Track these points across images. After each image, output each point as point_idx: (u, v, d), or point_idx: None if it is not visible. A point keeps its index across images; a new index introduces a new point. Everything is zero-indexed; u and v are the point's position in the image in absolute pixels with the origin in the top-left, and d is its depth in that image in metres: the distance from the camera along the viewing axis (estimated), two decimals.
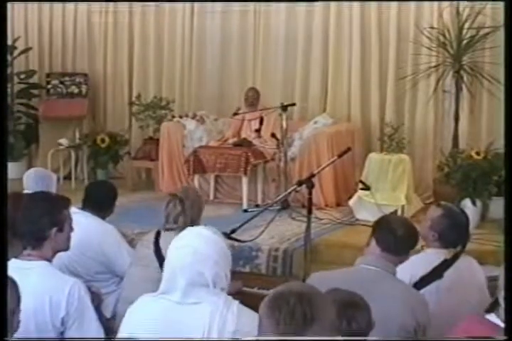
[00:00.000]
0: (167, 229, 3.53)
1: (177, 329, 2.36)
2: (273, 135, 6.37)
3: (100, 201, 4.09)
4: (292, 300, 1.83)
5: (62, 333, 2.73)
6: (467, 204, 5.65)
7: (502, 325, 2.14)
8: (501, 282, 2.19)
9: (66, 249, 2.96)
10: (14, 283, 2.22)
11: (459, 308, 3.01)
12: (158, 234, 3.56)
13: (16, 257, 2.79)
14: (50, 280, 2.75)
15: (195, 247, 2.41)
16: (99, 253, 3.93)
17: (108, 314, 3.72)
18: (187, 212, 3.53)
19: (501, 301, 2.16)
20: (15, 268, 2.66)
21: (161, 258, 3.29)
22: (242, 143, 6.62)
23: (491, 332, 2.13)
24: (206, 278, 2.39)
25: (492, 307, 2.20)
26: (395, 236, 2.85)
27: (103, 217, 4.07)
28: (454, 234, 3.27)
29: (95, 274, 3.95)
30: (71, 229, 2.95)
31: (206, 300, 2.39)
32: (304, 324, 1.80)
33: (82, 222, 3.87)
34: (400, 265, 3.30)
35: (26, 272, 2.72)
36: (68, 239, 2.94)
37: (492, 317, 2.18)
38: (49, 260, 2.85)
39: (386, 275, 2.81)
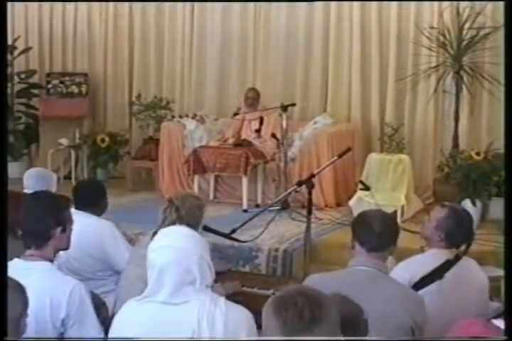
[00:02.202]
0: None
1: (166, 330, 2.36)
2: (273, 135, 6.37)
3: (89, 199, 4.07)
4: (300, 300, 1.81)
5: (62, 334, 2.73)
6: (467, 204, 5.64)
7: None
8: None
9: (67, 248, 2.97)
10: (20, 287, 2.23)
11: (459, 309, 3.01)
12: (154, 235, 3.54)
13: (18, 257, 2.79)
14: (51, 281, 2.75)
15: (178, 245, 2.43)
16: (97, 248, 3.94)
17: (108, 313, 3.72)
18: (183, 219, 3.51)
19: None
20: (17, 268, 2.66)
21: None
22: (242, 144, 6.63)
23: (493, 334, 2.12)
24: (194, 274, 2.40)
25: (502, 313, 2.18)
26: (375, 235, 2.82)
27: (98, 215, 4.08)
28: (459, 234, 3.27)
29: (95, 272, 3.96)
30: (71, 229, 2.96)
31: (193, 299, 2.40)
32: (312, 324, 1.78)
33: (79, 220, 3.89)
34: (401, 264, 3.32)
35: (28, 272, 2.72)
36: (69, 239, 2.95)
37: (500, 322, 2.17)
38: (51, 260, 2.85)
39: (380, 275, 2.81)
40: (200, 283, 2.41)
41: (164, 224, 3.53)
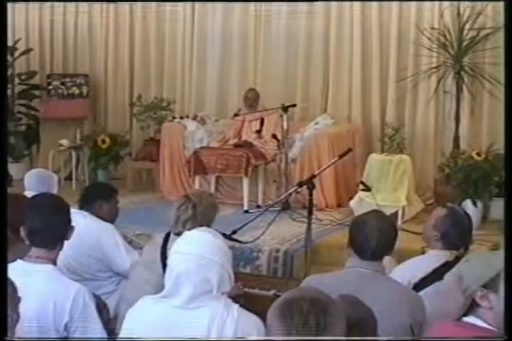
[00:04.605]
0: (176, 234, 3.41)
1: (175, 333, 2.35)
2: (274, 136, 6.37)
3: (89, 200, 4.07)
4: (306, 308, 1.78)
5: (64, 338, 2.73)
6: (468, 205, 5.64)
7: (485, 325, 2.13)
8: (470, 283, 2.17)
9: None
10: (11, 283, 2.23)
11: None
12: (167, 237, 3.50)
13: (21, 258, 2.79)
14: (55, 284, 2.74)
15: (199, 254, 2.39)
16: (98, 250, 3.94)
17: (109, 315, 3.71)
18: (198, 217, 3.44)
19: (479, 302, 2.14)
20: (20, 269, 2.66)
21: (165, 262, 3.26)
22: (243, 144, 6.63)
23: (471, 333, 2.12)
24: (212, 283, 2.37)
25: (469, 310, 2.18)
26: (371, 247, 2.79)
27: (105, 219, 4.06)
28: (456, 235, 3.27)
29: (94, 272, 3.95)
30: None
31: (206, 305, 2.38)
32: (316, 332, 1.76)
33: (80, 221, 3.90)
34: (401, 264, 3.32)
35: (32, 275, 2.71)
36: None
37: (471, 319, 2.17)
38: (55, 262, 2.85)
39: (378, 275, 2.82)
40: (216, 291, 2.39)
41: (178, 222, 3.47)
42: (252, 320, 2.42)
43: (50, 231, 2.80)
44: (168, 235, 3.50)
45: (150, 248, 3.61)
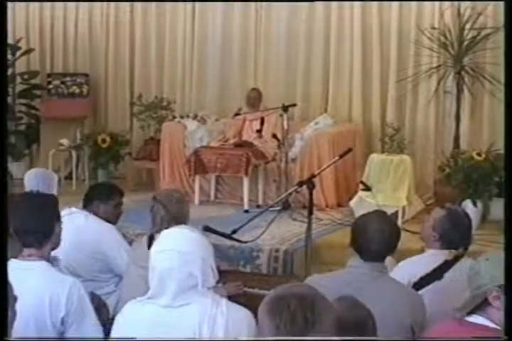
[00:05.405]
0: (157, 231, 3.41)
1: (167, 333, 2.35)
2: (274, 135, 6.38)
3: (89, 200, 4.08)
4: (293, 304, 1.80)
5: (62, 333, 2.74)
6: (468, 205, 5.64)
7: (491, 324, 2.13)
8: (486, 281, 2.16)
9: (57, 246, 2.97)
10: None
11: (462, 307, 3.01)
12: (150, 238, 3.52)
13: (14, 257, 2.79)
14: (49, 280, 2.75)
15: (181, 249, 2.39)
16: (98, 252, 3.94)
17: (109, 314, 3.71)
18: (171, 215, 3.47)
19: (492, 301, 2.13)
20: (14, 268, 2.66)
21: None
22: (243, 144, 6.63)
23: (472, 332, 2.12)
24: (196, 278, 2.38)
25: (477, 308, 2.18)
26: (373, 251, 2.81)
27: (106, 220, 4.06)
28: (455, 235, 3.27)
29: (94, 273, 3.95)
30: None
31: (194, 301, 2.38)
32: (305, 328, 1.78)
33: (81, 221, 3.90)
34: (401, 264, 3.32)
35: (26, 273, 2.72)
36: (60, 236, 2.96)
37: (474, 318, 2.17)
38: (48, 259, 2.86)
39: (379, 275, 2.83)
40: (202, 286, 2.39)
41: (155, 223, 3.51)
42: (242, 314, 2.43)
43: (33, 230, 2.80)
44: (151, 236, 3.52)
45: (138, 245, 3.66)
